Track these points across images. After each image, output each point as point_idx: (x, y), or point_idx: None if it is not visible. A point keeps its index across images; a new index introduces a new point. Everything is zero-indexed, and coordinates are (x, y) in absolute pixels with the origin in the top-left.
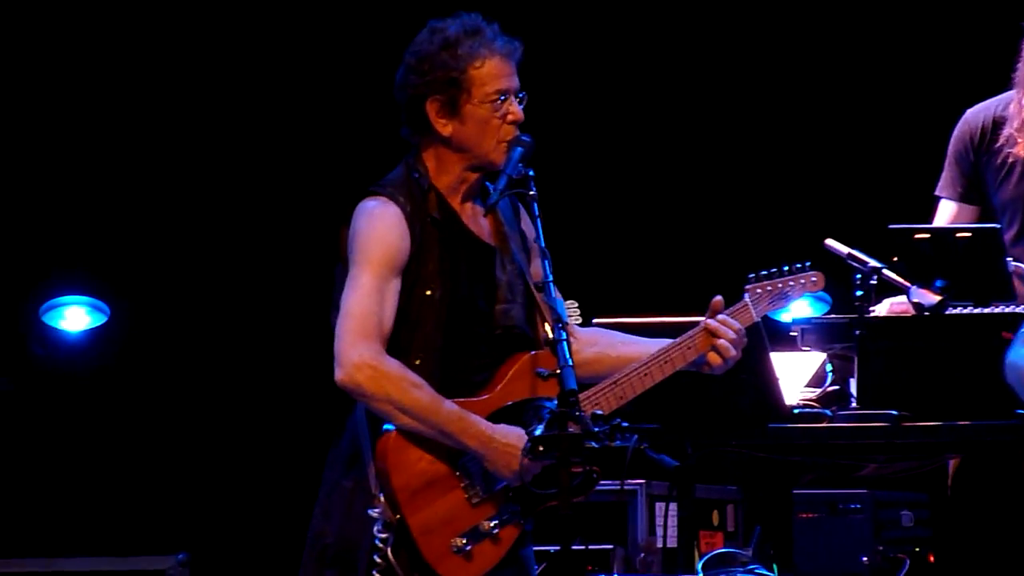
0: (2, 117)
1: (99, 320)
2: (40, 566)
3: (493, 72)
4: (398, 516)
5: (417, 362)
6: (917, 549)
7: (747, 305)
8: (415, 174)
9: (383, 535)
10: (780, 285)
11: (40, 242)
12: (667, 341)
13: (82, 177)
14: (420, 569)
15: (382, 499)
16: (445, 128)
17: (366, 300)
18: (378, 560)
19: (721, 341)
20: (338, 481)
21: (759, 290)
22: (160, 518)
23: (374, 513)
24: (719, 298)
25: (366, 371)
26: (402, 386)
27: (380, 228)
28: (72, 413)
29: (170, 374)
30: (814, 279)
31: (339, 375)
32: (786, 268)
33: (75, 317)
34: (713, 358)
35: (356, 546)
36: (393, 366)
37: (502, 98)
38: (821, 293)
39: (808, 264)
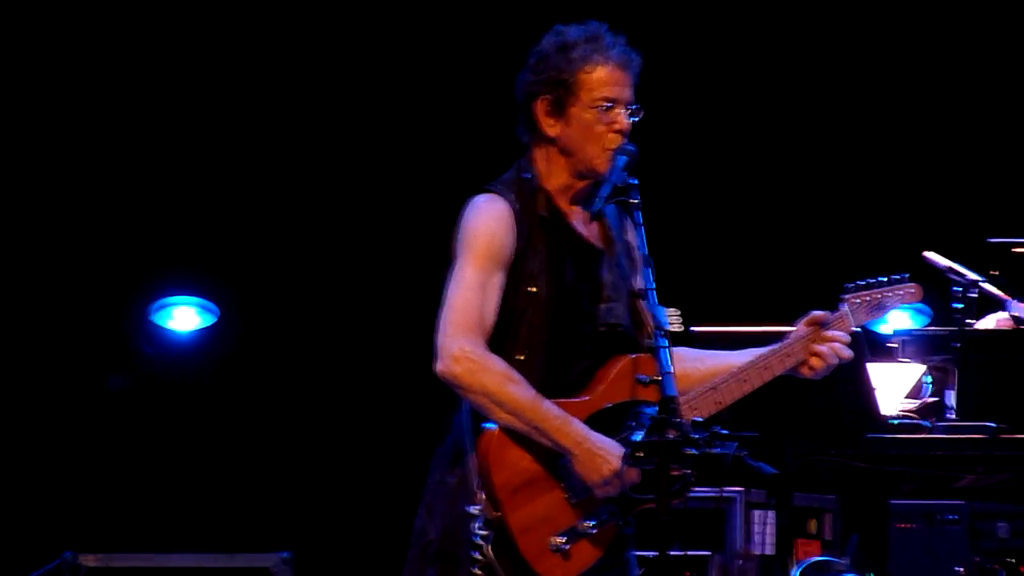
0: (115, 120)
1: (208, 321)
2: (147, 561)
3: (603, 79)
4: (498, 513)
5: (520, 358)
6: (1012, 560)
7: (845, 314)
8: (526, 175)
9: (483, 532)
10: (878, 295)
11: (151, 241)
12: (760, 350)
13: (193, 178)
14: (519, 566)
15: (482, 496)
16: (552, 128)
17: (468, 293)
18: (478, 557)
19: (824, 347)
20: (442, 479)
21: (856, 300)
22: (265, 516)
23: (474, 510)
24: (819, 312)
25: (464, 363)
26: (499, 380)
27: (488, 221)
28: (178, 412)
29: (277, 374)
30: (912, 290)
31: (438, 366)
32: (884, 279)
33: (184, 317)
34: (815, 362)
35: (458, 543)
36: (492, 360)
37: (608, 105)
38: (921, 305)
39: (907, 275)
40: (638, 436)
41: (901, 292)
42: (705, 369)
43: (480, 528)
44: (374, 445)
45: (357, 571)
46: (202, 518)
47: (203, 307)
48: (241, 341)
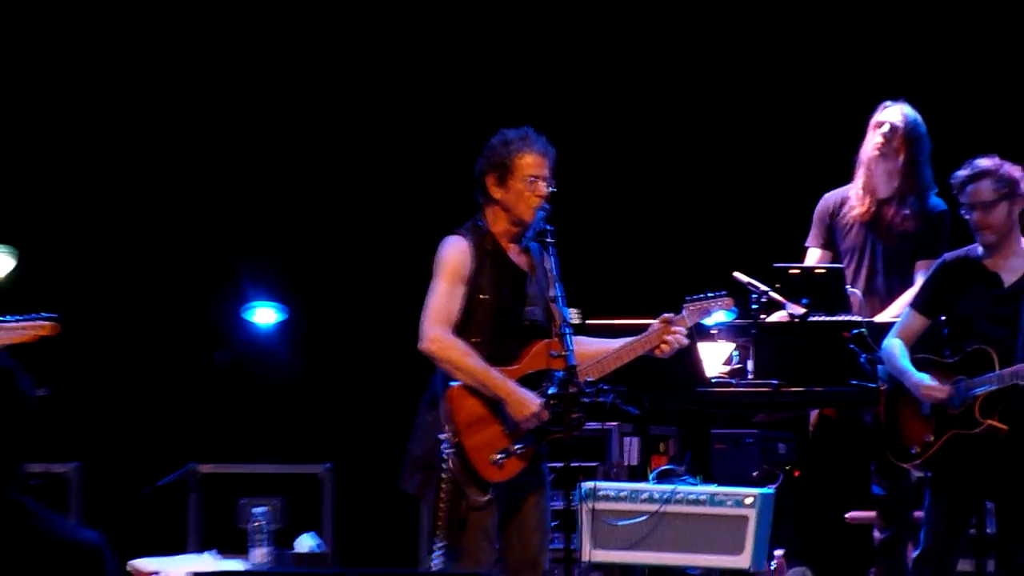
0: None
1: (281, 318)
2: (238, 469)
3: (530, 163)
4: (458, 440)
5: (475, 340)
6: (788, 467)
7: (684, 316)
8: (480, 223)
9: (450, 450)
10: (705, 305)
11: (245, 263)
12: (630, 339)
13: (273, 214)
14: (471, 473)
15: (449, 428)
16: (497, 193)
17: (441, 298)
18: (446, 466)
19: (672, 338)
20: (424, 416)
21: (692, 307)
22: (315, 437)
23: (444, 437)
24: (668, 314)
25: (437, 343)
26: (460, 354)
27: (455, 253)
28: (260, 373)
29: (327, 349)
30: (727, 302)
31: (420, 345)
32: (711, 294)
33: (264, 315)
34: (664, 347)
35: (434, 457)
36: (455, 341)
37: (533, 179)
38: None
39: (724, 292)
40: (552, 390)
41: (720, 303)
42: (594, 350)
43: (447, 448)
44: (391, 392)
45: (376, 476)
46: (274, 438)
47: (278, 308)
48: (302, 331)
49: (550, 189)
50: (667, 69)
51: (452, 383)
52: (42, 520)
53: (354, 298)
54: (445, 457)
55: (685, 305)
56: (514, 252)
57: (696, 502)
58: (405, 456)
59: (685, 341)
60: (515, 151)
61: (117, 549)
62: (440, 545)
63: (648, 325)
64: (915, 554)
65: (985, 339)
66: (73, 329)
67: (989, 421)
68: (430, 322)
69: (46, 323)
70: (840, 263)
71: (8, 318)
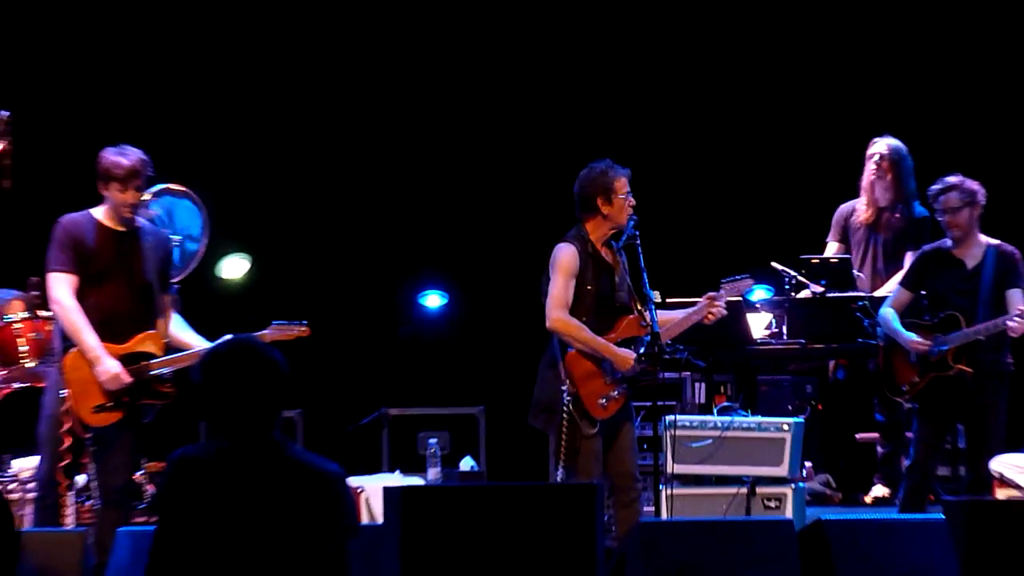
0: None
1: (444, 301)
2: (416, 411)
3: (623, 183)
4: (575, 389)
5: (584, 319)
6: (813, 402)
7: (723, 294)
8: (581, 232)
9: (568, 397)
10: (735, 284)
11: (420, 263)
12: (688, 310)
13: (442, 222)
14: (583, 412)
15: (567, 381)
16: (604, 208)
17: (559, 289)
18: (565, 409)
19: (716, 310)
20: (545, 372)
21: (727, 286)
22: (471, 388)
23: (564, 387)
24: (711, 292)
25: (559, 322)
26: (575, 329)
27: (567, 255)
28: (431, 340)
29: (481, 324)
30: (749, 281)
31: (547, 323)
32: (737, 277)
33: (433, 300)
34: (710, 316)
35: (556, 403)
36: (570, 319)
37: (625, 195)
38: (768, 287)
39: (748, 274)
40: (642, 349)
41: (746, 283)
42: (669, 320)
43: (567, 395)
44: (525, 355)
45: (517, 416)
46: (442, 388)
47: (442, 294)
48: (461, 312)
49: (634, 203)
50: (736, 115)
51: (569, 349)
52: (296, 453)
53: (497, 290)
54: (565, 402)
55: (722, 285)
56: (605, 253)
57: (748, 428)
58: (532, 401)
59: (724, 311)
60: (613, 177)
61: None
62: (563, 465)
63: (697, 302)
64: (907, 464)
65: (954, 307)
66: (308, 315)
67: (959, 366)
68: (552, 307)
69: (304, 328)
70: (849, 254)
71: (279, 323)
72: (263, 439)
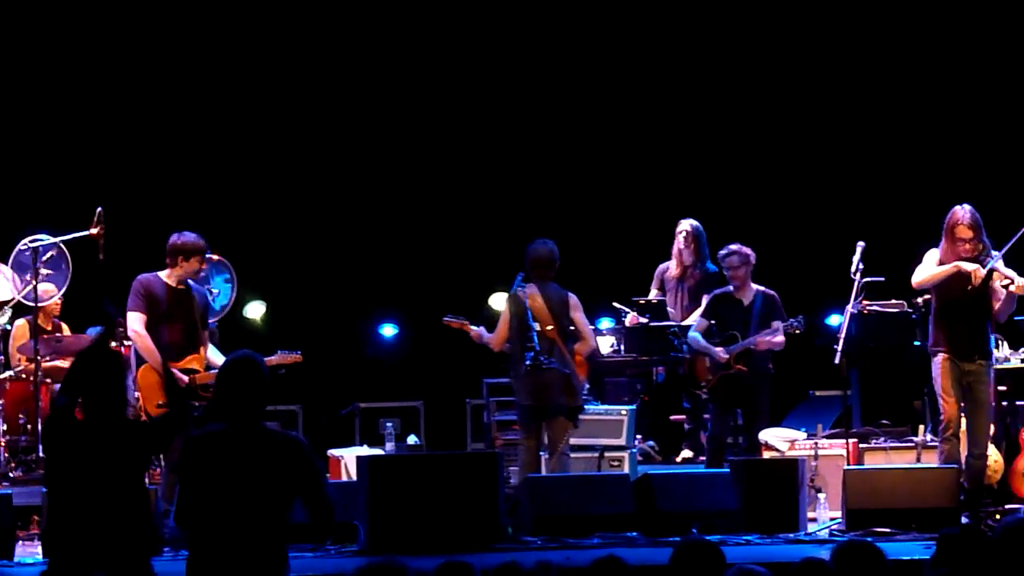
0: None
1: (396, 330)
2: (374, 405)
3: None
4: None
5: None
6: (642, 395)
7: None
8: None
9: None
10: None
11: (376, 296)
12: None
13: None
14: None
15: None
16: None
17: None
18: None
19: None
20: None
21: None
22: (413, 386)
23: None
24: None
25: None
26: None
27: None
28: (385, 361)
29: (424, 348)
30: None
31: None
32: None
33: (388, 329)
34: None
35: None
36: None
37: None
38: (610, 317)
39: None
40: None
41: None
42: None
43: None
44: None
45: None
46: (393, 387)
47: (394, 326)
48: (408, 337)
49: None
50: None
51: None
52: (272, 429)
53: (433, 323)
54: None
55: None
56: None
57: (598, 413)
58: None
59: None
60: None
61: (321, 447)
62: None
63: None
64: (705, 436)
65: (736, 328)
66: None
67: (738, 366)
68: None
69: (298, 355)
70: (664, 297)
71: (283, 351)
72: (250, 422)
